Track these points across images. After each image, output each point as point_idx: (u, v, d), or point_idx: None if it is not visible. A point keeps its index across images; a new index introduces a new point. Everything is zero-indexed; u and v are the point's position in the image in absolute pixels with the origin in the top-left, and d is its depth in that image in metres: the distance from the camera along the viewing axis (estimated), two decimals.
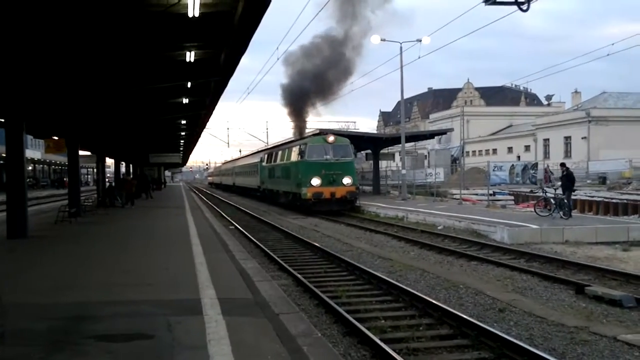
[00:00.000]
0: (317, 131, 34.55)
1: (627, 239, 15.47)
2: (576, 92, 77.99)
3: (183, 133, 38.63)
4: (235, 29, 12.07)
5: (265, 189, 36.76)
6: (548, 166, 25.77)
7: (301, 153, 26.99)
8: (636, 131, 56.21)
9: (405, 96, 35.04)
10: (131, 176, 37.92)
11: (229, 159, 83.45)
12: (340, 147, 27.06)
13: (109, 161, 48.10)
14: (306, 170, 26.33)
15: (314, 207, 25.84)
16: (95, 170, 47.04)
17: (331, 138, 26.92)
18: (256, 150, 56.43)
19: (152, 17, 11.36)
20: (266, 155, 37.40)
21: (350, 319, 7.52)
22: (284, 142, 37.98)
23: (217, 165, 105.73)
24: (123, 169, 47.90)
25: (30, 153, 66.97)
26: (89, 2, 10.34)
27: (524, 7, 10.17)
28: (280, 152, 32.72)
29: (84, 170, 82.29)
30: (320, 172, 26.08)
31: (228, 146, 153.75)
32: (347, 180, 26.23)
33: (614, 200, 26.44)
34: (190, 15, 10.88)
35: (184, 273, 9.06)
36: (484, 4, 10.43)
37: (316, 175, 26.02)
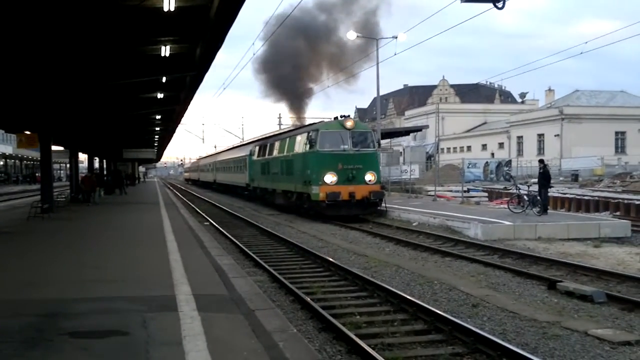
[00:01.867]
0: (281, 131, 34.21)
1: (598, 236, 15.78)
2: (550, 90, 79.25)
3: (157, 128, 38.23)
4: (212, 23, 11.98)
5: (256, 187, 31.49)
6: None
7: (310, 142, 21.39)
8: (607, 129, 57.40)
9: (381, 93, 35.22)
10: (93, 173, 36.55)
11: (209, 152, 78.32)
12: (361, 134, 21.78)
13: (83, 156, 47.44)
14: (318, 164, 20.96)
15: (328, 212, 20.59)
16: (68, 165, 46.31)
17: (349, 123, 21.43)
18: (243, 142, 50.88)
19: (126, 11, 11.22)
20: (257, 148, 31.99)
21: (326, 314, 7.54)
22: (280, 132, 33.33)
23: (194, 160, 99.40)
24: (97, 164, 47.30)
25: (1, 148, 65.81)
26: None
27: (500, 4, 10.28)
28: (278, 143, 27.08)
29: (56, 166, 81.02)
30: (336, 166, 20.80)
31: (203, 142, 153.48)
32: (369, 176, 21.04)
33: (585, 197, 26.92)
34: (165, 9, 10.76)
35: (159, 269, 8.98)
36: (459, 1, 10.52)
37: (331, 170, 20.70)
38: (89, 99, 19.82)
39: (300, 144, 23.00)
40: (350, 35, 31.44)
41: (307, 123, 32.15)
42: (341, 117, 21.94)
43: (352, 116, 23.08)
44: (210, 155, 68.91)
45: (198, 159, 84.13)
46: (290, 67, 32.39)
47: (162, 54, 14.54)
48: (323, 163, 20.91)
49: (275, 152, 27.08)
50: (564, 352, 6.41)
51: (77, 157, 36.36)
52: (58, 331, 5.65)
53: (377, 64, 31.75)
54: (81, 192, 28.49)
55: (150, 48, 14.59)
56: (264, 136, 41.09)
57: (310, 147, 21.51)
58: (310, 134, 21.75)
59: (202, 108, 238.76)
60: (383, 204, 21.74)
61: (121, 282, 8.13)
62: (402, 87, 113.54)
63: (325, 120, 24.75)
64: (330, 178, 20.69)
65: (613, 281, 10.15)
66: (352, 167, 20.95)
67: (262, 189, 30.19)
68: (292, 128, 30.53)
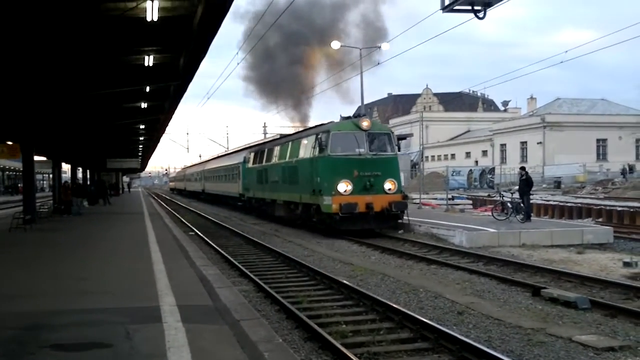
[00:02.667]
0: (278, 136, 33.29)
1: (581, 242, 15.91)
2: (532, 98, 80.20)
3: (142, 138, 38.04)
4: (195, 33, 11.99)
5: (252, 197, 28.73)
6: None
7: (320, 145, 18.58)
8: (589, 136, 58.10)
9: (366, 101, 35.36)
10: (67, 182, 35.64)
11: (196, 161, 75.25)
12: (380, 136, 19.18)
13: (66, 167, 47.00)
14: (329, 171, 18.30)
15: (342, 226, 17.96)
16: (51, 176, 45.81)
17: (366, 122, 18.71)
18: (235, 149, 47.52)
19: (109, 21, 11.19)
20: (252, 154, 29.34)
21: (311, 324, 7.51)
22: (278, 137, 29.35)
23: (180, 169, 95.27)
24: (80, 174, 46.89)
25: None
26: (44, 6, 10.11)
27: (480, 14, 10.36)
28: (278, 148, 24.32)
29: (39, 176, 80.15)
30: (351, 173, 18.12)
31: (188, 151, 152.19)
32: (389, 185, 18.40)
33: (568, 204, 27.22)
34: (148, 19, 10.75)
35: (143, 280, 8.91)
36: (441, 11, 10.59)
37: (345, 178, 17.97)
38: (72, 109, 19.68)
39: (306, 148, 20.18)
40: (335, 45, 31.56)
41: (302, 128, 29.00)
42: (354, 116, 19.52)
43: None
44: (198, 163, 65.52)
45: (184, 168, 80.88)
46: (288, 63, 29.72)
47: (146, 64, 14.51)
48: (335, 169, 18.23)
49: (274, 159, 24.48)
50: (548, 358, 6.45)
51: (60, 167, 36.02)
52: (40, 344, 5.58)
53: (361, 72, 31.90)
54: (63, 202, 28.21)
55: (133, 58, 14.56)
56: (259, 142, 38.46)
57: (319, 151, 18.68)
58: (319, 136, 18.81)
59: (186, 117, 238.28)
60: (405, 216, 18.75)
61: (105, 294, 8.04)
62: (386, 95, 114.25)
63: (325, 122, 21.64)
64: (344, 187, 17.93)
65: (596, 287, 10.23)
66: (370, 174, 18.28)
67: (258, 200, 27.34)
68: (293, 132, 26.67)
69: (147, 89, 18.38)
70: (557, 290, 9.63)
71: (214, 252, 15.41)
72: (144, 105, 21.65)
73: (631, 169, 48.27)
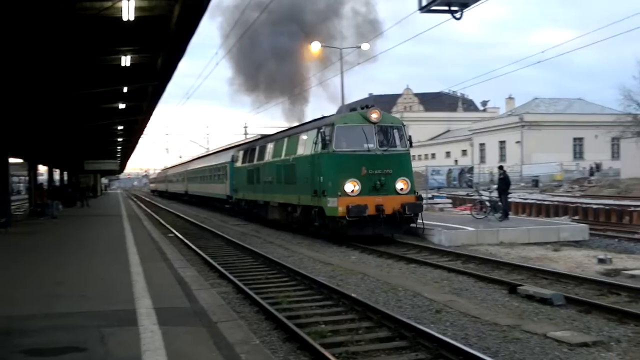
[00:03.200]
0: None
1: (557, 239, 16.13)
2: (510, 97, 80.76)
3: (120, 139, 37.69)
4: (172, 33, 11.92)
5: (241, 199, 26.83)
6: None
7: (323, 140, 16.50)
8: (566, 135, 58.82)
9: (347, 101, 35.44)
10: (46, 185, 34.99)
11: (179, 161, 72.09)
12: (390, 129, 17.11)
13: (43, 169, 46.38)
14: (334, 169, 16.35)
15: (349, 231, 15.97)
16: (27, 178, 45.20)
17: (375, 114, 16.64)
18: (222, 148, 45.19)
19: (84, 21, 11.07)
20: (242, 153, 27.41)
21: (290, 324, 7.50)
22: (272, 134, 25.69)
23: (161, 169, 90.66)
24: (57, 176, 46.32)
25: None
26: (18, 5, 9.97)
27: (457, 15, 10.47)
28: (271, 145, 22.23)
29: (15, 179, 78.96)
30: (359, 171, 16.18)
31: (168, 152, 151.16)
32: (401, 184, 16.52)
33: (545, 202, 27.58)
34: (125, 18, 10.67)
35: (120, 283, 8.83)
36: (419, 11, 10.67)
37: (352, 177, 16.04)
38: (47, 110, 19.44)
39: (306, 144, 18.20)
40: (315, 46, 31.55)
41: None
42: (362, 107, 17.42)
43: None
44: (181, 163, 62.23)
45: (166, 169, 77.59)
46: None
47: (123, 64, 14.39)
48: (341, 167, 16.27)
49: (268, 157, 22.43)
50: (524, 355, 6.52)
51: (36, 169, 35.56)
52: (13, 349, 5.49)
53: (342, 72, 31.96)
54: (38, 205, 27.85)
55: (110, 58, 14.42)
56: (248, 140, 36.10)
57: (322, 147, 16.63)
58: (322, 130, 16.70)
59: (166, 118, 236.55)
60: (420, 220, 16.61)
61: (80, 297, 7.95)
62: (367, 95, 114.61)
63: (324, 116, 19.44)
64: (351, 187, 15.96)
65: (571, 284, 10.38)
66: (380, 172, 16.35)
67: (249, 202, 25.41)
68: (288, 127, 24.00)
69: (125, 89, 18.21)
70: (533, 287, 9.75)
71: (193, 253, 15.31)
72: (121, 106, 21.46)
73: (598, 167, 49.31)
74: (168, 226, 23.67)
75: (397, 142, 17.08)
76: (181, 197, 50.96)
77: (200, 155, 54.80)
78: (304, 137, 18.71)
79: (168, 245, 14.82)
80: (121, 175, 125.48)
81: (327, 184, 16.36)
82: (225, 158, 32.08)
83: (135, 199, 61.49)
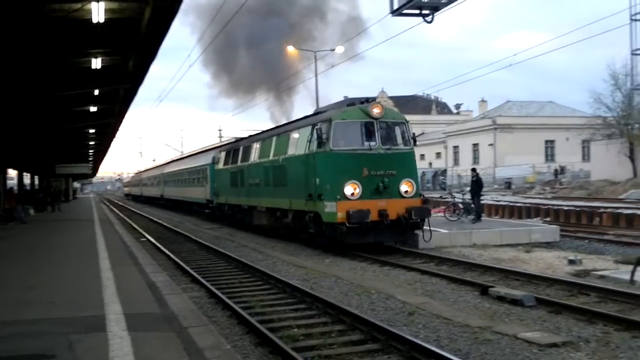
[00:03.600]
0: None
1: (529, 241, 16.32)
2: (483, 101, 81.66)
3: (92, 142, 37.22)
4: (144, 35, 11.82)
5: (223, 204, 25.25)
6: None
7: (319, 138, 14.97)
8: (538, 138, 59.70)
9: (322, 104, 35.46)
10: (15, 189, 33.97)
11: (157, 164, 68.81)
12: (394, 125, 15.65)
13: (12, 173, 45.51)
14: (332, 170, 14.85)
15: (350, 239, 14.46)
16: None
17: (377, 109, 15.16)
18: (201, 149, 43.56)
19: (53, 23, 10.91)
20: (224, 154, 25.73)
21: (262, 328, 7.46)
22: (258, 132, 23.57)
23: (135, 173, 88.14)
24: (27, 180, 45.52)
25: None
26: None
27: (428, 18, 10.60)
28: (258, 145, 20.70)
29: None
30: (360, 172, 14.69)
31: (141, 155, 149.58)
32: (405, 187, 15.05)
33: (518, 204, 27.89)
34: (94, 21, 10.56)
35: (90, 289, 8.70)
36: (391, 15, 10.76)
37: (353, 179, 14.55)
38: (16, 113, 19.10)
39: (298, 142, 16.64)
40: (290, 49, 31.53)
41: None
42: (362, 102, 15.83)
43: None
44: (157, 166, 59.70)
45: (140, 172, 75.39)
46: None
47: (94, 67, 14.23)
48: (340, 168, 14.75)
49: (253, 157, 20.88)
50: (494, 356, 6.58)
51: (5, 173, 34.87)
52: None
53: (316, 75, 32.02)
54: (6, 210, 27.31)
55: (81, 60, 14.26)
56: (230, 141, 32.98)
57: (318, 146, 15.12)
58: (318, 127, 15.18)
59: (139, 121, 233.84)
60: (426, 226, 15.05)
61: (49, 303, 7.82)
62: (342, 98, 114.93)
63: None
64: (351, 190, 14.47)
65: (542, 285, 10.50)
66: (383, 172, 14.86)
67: (232, 207, 23.89)
68: (277, 126, 22.03)
69: (96, 92, 18.01)
70: (504, 288, 9.84)
71: (165, 258, 15.15)
72: (93, 108, 21.21)
73: (562, 170, 50.45)
74: (141, 230, 23.40)
75: (401, 139, 15.57)
76: (157, 202, 49.30)
77: (177, 158, 52.97)
78: (295, 135, 17.14)
79: (140, 249, 14.65)
80: (94, 179, 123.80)
81: (324, 186, 14.81)
82: (206, 160, 30.54)
83: (108, 203, 60.66)
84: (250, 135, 23.65)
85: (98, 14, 10.21)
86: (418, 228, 15.10)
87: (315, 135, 15.23)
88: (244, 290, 10.77)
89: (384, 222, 14.38)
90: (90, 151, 44.09)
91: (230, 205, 24.29)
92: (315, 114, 17.67)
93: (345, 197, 14.43)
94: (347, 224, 14.10)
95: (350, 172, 14.67)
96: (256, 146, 20.89)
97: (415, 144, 15.87)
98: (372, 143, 15.00)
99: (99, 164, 67.68)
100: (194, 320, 6.71)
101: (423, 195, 15.75)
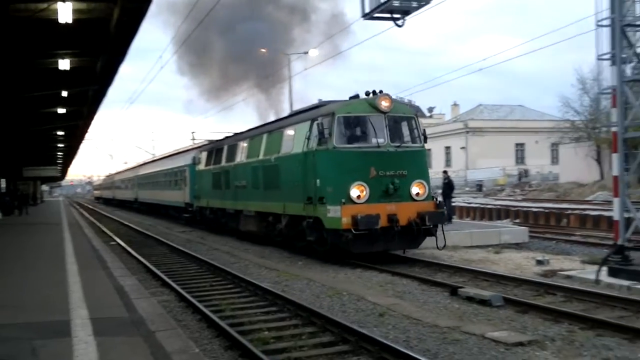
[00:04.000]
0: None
1: (499, 242, 16.56)
2: (455, 104, 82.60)
3: (61, 145, 36.61)
4: (112, 36, 11.69)
5: (205, 207, 23.50)
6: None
7: (320, 134, 13.33)
8: (508, 141, 60.55)
9: (297, 107, 35.42)
10: None
11: (123, 168, 67.37)
12: (403, 120, 14.19)
13: None
14: (335, 170, 13.41)
15: (356, 248, 12.95)
16: None
17: (385, 101, 13.59)
18: (180, 150, 40.37)
19: (18, 23, 10.72)
20: (205, 154, 23.92)
21: (232, 332, 7.41)
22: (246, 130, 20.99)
23: (106, 176, 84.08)
24: None
25: None
26: None
27: (400, 22, 10.69)
28: (245, 144, 19.01)
29: None
30: (367, 172, 13.23)
31: (112, 158, 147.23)
32: (417, 189, 13.63)
33: (488, 206, 28.27)
34: (62, 21, 10.39)
35: (56, 294, 8.54)
36: (362, 19, 10.83)
37: (359, 180, 13.07)
38: None
39: (295, 139, 15.03)
40: (262, 50, 31.45)
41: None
42: (367, 94, 13.91)
43: None
44: (130, 168, 56.86)
45: (112, 174, 72.22)
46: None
47: (62, 68, 14.01)
48: (345, 168, 13.29)
49: (240, 157, 19.21)
50: (462, 355, 6.65)
51: None
52: None
53: (290, 78, 32.01)
54: None
55: (48, 61, 14.04)
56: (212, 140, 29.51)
57: (319, 143, 13.54)
58: (318, 122, 13.52)
59: (110, 123, 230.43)
60: (440, 232, 13.79)
61: (14, 309, 7.66)
62: (317, 101, 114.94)
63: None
64: (357, 192, 13.03)
65: (510, 285, 10.65)
66: (393, 173, 13.41)
67: (215, 211, 22.21)
68: (268, 122, 20.28)
69: (65, 93, 17.73)
70: (473, 289, 9.96)
71: (135, 262, 14.96)
72: (61, 110, 20.88)
73: (526, 173, 51.64)
74: (110, 234, 23.07)
75: (412, 136, 14.14)
76: (131, 205, 47.39)
77: (153, 159, 50.16)
78: (290, 132, 15.49)
79: (109, 253, 14.46)
80: (63, 182, 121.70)
81: (326, 188, 13.28)
82: (185, 160, 28.73)
83: (77, 207, 59.68)
84: (236, 134, 21.64)
85: (65, 14, 10.05)
86: (431, 235, 13.68)
87: (315, 131, 13.63)
88: (215, 293, 10.69)
89: (394, 228, 12.86)
90: (59, 153, 43.38)
91: (212, 209, 22.69)
92: (313, 107, 15.85)
93: (350, 201, 12.94)
94: (354, 231, 12.58)
95: (356, 172, 13.19)
96: (243, 145, 19.24)
97: (425, 141, 14.48)
98: (381, 140, 13.44)
99: (68, 167, 66.62)
100: (162, 324, 6.63)
101: (436, 198, 14.32)
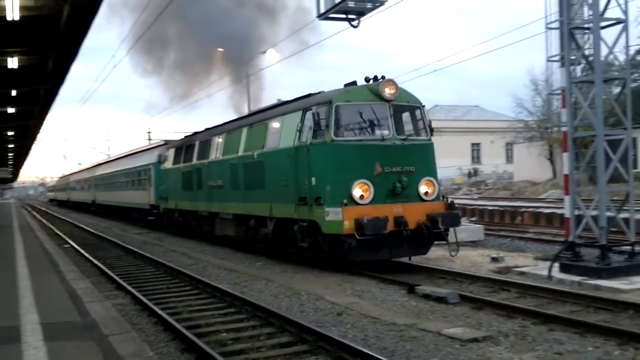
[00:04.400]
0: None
1: (456, 240, 16.74)
2: None
3: (11, 145, 35.52)
4: (63, 33, 11.38)
5: (173, 209, 21.73)
6: None
7: (316, 125, 11.82)
8: (464, 141, 61.66)
9: (255, 107, 35.20)
10: None
11: (78, 168, 63.86)
12: (409, 110, 12.72)
13: None
14: (334, 166, 11.79)
15: (358, 255, 11.50)
16: None
17: (390, 89, 11.98)
18: (144, 147, 36.72)
19: None
20: (173, 151, 21.99)
21: (188, 334, 7.31)
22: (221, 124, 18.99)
23: (60, 177, 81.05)
24: None
25: None
26: None
27: (355, 23, 10.74)
28: (221, 139, 17.23)
29: None
30: (371, 168, 11.69)
31: (65, 159, 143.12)
32: (425, 187, 12.22)
33: None
34: (9, 18, 10.07)
35: (5, 298, 8.29)
36: (317, 19, 10.84)
37: (362, 178, 11.56)
38: None
39: (283, 132, 13.29)
40: (219, 50, 31.14)
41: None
42: (367, 80, 12.41)
43: None
44: (87, 168, 53.13)
45: (66, 175, 68.25)
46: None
47: (10, 66, 13.58)
48: (345, 164, 11.70)
49: (215, 154, 17.38)
50: (418, 352, 6.72)
51: None
52: None
53: (247, 77, 31.76)
54: None
55: None
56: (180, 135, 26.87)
57: (314, 136, 11.97)
58: (313, 112, 11.98)
59: (62, 124, 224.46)
60: (451, 237, 12.27)
61: None
62: (276, 101, 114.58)
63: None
64: (360, 192, 11.50)
65: (466, 282, 10.84)
66: (400, 169, 11.90)
67: (185, 213, 20.50)
68: (248, 114, 18.48)
69: (14, 92, 17.19)
70: (430, 287, 10.09)
71: (89, 264, 14.63)
72: (11, 110, 20.26)
73: (475, 172, 52.98)
74: (64, 237, 22.47)
75: (418, 128, 12.64)
76: (88, 208, 44.86)
77: (113, 158, 46.27)
78: (276, 124, 13.82)
79: (62, 256, 14.10)
80: (14, 184, 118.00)
81: (324, 187, 11.63)
82: (149, 159, 26.64)
83: (30, 209, 57.96)
84: (208, 128, 19.70)
85: (12, 10, 9.73)
86: (442, 239, 12.27)
87: (308, 123, 12.14)
88: (172, 295, 10.55)
89: (403, 232, 11.34)
90: (9, 154, 42.09)
91: (182, 212, 20.82)
92: (306, 95, 13.69)
93: (353, 202, 11.40)
94: (357, 236, 11.02)
95: (358, 168, 11.61)
96: (218, 140, 17.34)
97: (432, 134, 12.96)
98: (385, 132, 11.95)
99: (20, 168, 64.65)
100: (115, 328, 6.50)
101: (447, 198, 12.75)
